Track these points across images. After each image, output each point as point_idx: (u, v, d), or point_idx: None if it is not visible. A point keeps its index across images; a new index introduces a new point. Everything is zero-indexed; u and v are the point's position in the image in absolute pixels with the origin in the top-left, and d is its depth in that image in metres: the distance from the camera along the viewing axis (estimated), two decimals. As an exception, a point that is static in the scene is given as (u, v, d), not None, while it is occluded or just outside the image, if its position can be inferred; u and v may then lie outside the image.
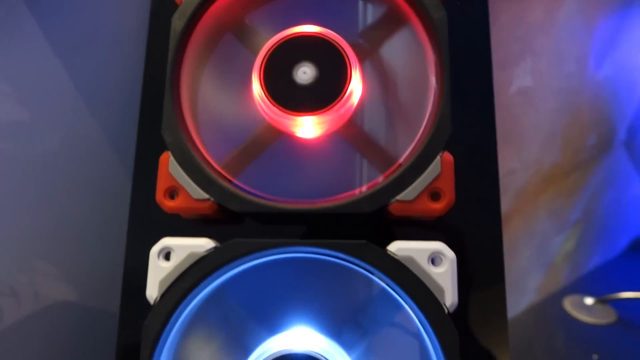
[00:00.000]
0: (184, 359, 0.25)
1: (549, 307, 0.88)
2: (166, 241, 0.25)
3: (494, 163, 0.30)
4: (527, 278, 0.85)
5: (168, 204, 0.26)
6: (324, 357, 0.24)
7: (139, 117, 0.31)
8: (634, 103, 0.92)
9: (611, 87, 0.84)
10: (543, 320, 0.85)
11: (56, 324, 0.39)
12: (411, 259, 0.24)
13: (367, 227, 0.28)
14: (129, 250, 0.30)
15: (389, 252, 0.24)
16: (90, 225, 0.39)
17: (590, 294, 0.91)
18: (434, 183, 0.25)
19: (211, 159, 0.27)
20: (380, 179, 0.26)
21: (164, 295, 0.24)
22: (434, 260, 0.24)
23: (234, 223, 0.30)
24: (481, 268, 0.29)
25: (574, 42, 0.72)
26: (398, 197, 0.25)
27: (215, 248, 0.25)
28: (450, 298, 0.23)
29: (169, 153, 0.26)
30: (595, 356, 0.75)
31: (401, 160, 0.26)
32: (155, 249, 0.25)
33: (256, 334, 0.26)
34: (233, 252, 0.25)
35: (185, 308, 0.25)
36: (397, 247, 0.24)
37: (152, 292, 0.25)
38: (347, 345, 0.25)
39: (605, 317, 0.85)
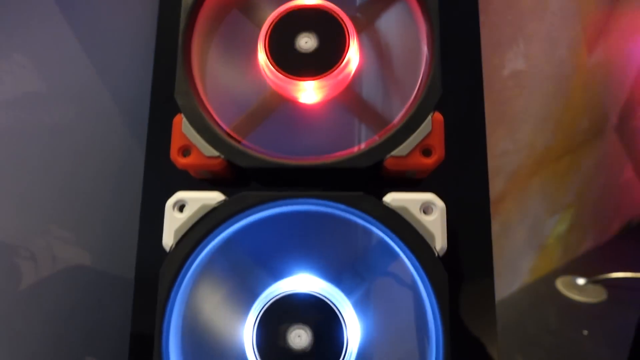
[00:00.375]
0: (196, 303, 0.28)
1: (542, 287, 0.91)
2: (180, 194, 0.27)
3: (482, 128, 0.32)
4: (521, 259, 0.87)
5: (181, 161, 0.28)
6: (326, 297, 0.26)
7: (151, 86, 0.33)
8: (625, 89, 0.94)
9: (602, 73, 0.86)
10: (536, 299, 0.88)
11: (71, 287, 0.42)
12: (405, 209, 0.26)
13: (365, 184, 0.30)
14: (144, 205, 0.32)
15: (384, 202, 0.27)
16: (104, 192, 0.41)
17: (582, 276, 0.93)
18: (426, 140, 0.27)
19: (220, 122, 0.29)
20: (376, 139, 0.28)
21: (179, 243, 0.27)
22: (426, 209, 0.26)
23: (240, 185, 0.32)
24: (469, 223, 0.31)
25: (565, 27, 0.74)
26: (393, 153, 0.27)
27: (225, 200, 0.27)
28: (440, 243, 0.26)
29: (182, 115, 0.28)
30: (585, 332, 0.78)
31: (395, 121, 0.29)
32: (170, 202, 0.27)
33: (262, 280, 0.28)
34: (241, 203, 0.27)
35: (198, 255, 0.27)
36: (392, 198, 0.27)
37: (168, 240, 0.27)
38: (346, 290, 0.28)
39: (595, 296, 0.87)
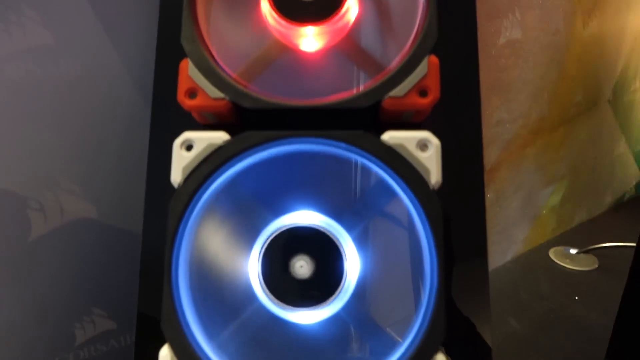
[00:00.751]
0: (203, 238, 0.29)
1: (535, 257, 0.93)
2: (187, 134, 0.29)
3: (475, 72, 0.33)
4: (515, 229, 0.89)
5: (188, 103, 0.29)
6: (327, 230, 0.28)
7: (157, 36, 0.35)
8: (619, 63, 0.96)
9: (597, 45, 0.87)
10: (529, 268, 0.90)
11: (79, 240, 0.43)
12: (402, 146, 0.28)
13: (364, 128, 0.32)
14: (151, 155, 0.34)
15: (382, 140, 0.28)
16: (111, 145, 0.42)
17: (574, 247, 0.96)
18: (422, 81, 0.28)
19: (225, 68, 0.31)
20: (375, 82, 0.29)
21: (187, 179, 0.28)
22: (422, 146, 0.28)
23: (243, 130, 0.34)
24: (461, 169, 0.33)
25: (561, -2, 0.75)
26: (390, 94, 0.28)
27: (230, 139, 0.29)
28: (435, 177, 0.27)
29: (188, 60, 0.30)
30: (576, 297, 0.80)
31: (392, 65, 0.30)
32: (178, 141, 0.29)
33: (265, 217, 0.29)
34: (246, 141, 0.28)
35: (204, 192, 0.28)
36: (390, 136, 0.28)
37: (176, 177, 0.28)
38: (347, 227, 0.29)
39: (587, 264, 0.90)
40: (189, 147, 0.29)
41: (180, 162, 0.28)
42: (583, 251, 0.93)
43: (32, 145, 0.39)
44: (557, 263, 0.90)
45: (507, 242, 0.88)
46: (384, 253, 0.30)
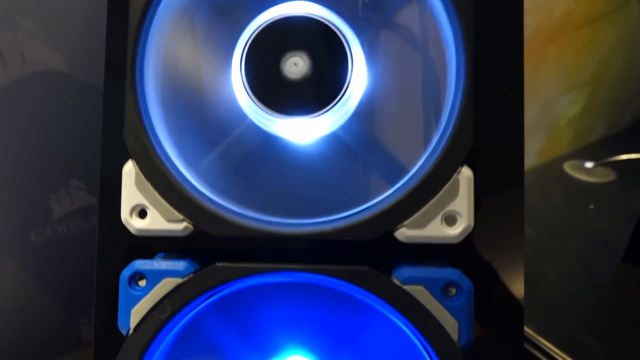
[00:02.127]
0: (174, 41, 0.24)
1: (549, 170, 0.88)
2: None
3: None
4: (529, 138, 0.84)
5: None
6: (330, 21, 0.22)
7: None
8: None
9: None
10: (543, 179, 0.85)
11: (47, 95, 0.38)
12: None
13: None
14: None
15: None
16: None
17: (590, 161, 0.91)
18: None
19: None
20: None
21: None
22: None
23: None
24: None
25: None
26: None
27: None
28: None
29: None
30: (591, 206, 0.76)
31: None
32: None
33: (248, 16, 0.24)
34: None
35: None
36: None
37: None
38: (354, 29, 0.24)
39: (604, 176, 0.85)
40: None
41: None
42: (600, 164, 0.88)
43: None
44: (572, 176, 0.86)
45: (520, 151, 0.83)
46: (396, 69, 0.24)
